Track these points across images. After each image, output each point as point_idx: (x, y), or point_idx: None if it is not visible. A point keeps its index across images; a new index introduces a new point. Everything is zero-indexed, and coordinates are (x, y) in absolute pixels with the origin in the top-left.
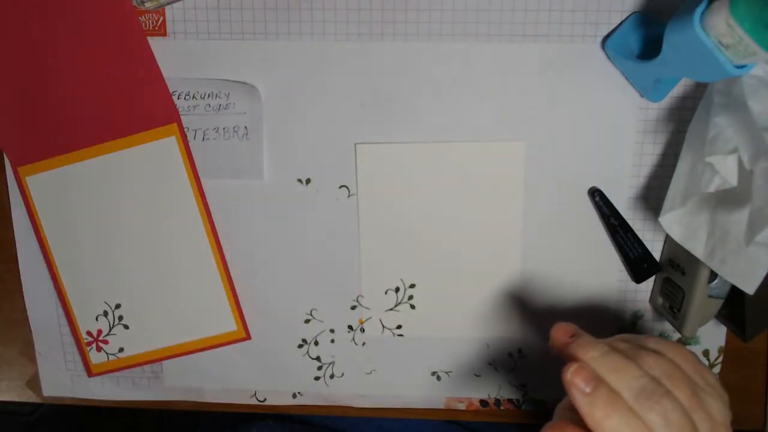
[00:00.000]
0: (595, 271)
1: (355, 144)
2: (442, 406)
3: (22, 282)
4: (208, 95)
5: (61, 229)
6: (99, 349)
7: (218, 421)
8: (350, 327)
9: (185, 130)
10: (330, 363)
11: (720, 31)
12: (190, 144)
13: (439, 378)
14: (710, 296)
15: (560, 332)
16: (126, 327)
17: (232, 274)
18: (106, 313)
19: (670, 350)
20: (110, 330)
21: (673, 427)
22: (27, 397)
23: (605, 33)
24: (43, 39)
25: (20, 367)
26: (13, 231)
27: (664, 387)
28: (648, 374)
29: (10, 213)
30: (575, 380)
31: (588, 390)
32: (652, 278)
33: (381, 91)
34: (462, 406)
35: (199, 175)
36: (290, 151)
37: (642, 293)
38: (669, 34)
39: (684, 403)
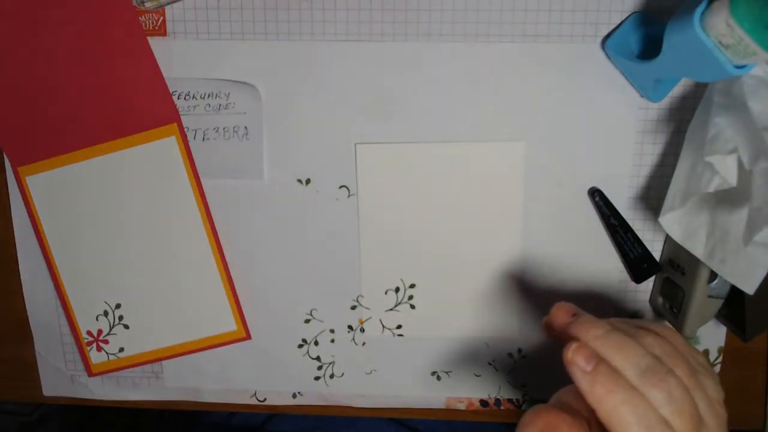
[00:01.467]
0: (594, 271)
1: (355, 144)
2: (442, 406)
3: (22, 282)
4: (208, 95)
5: (61, 229)
6: (99, 349)
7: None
8: (350, 327)
9: (185, 130)
10: (330, 363)
11: (720, 31)
12: (190, 144)
13: (439, 378)
14: (710, 296)
15: (561, 311)
16: (126, 327)
17: (232, 274)
18: (106, 313)
19: (662, 331)
20: (110, 330)
21: (677, 403)
22: (27, 397)
23: (605, 33)
24: (43, 39)
25: (20, 367)
26: (13, 231)
27: (667, 365)
28: (650, 353)
29: (10, 213)
30: (576, 359)
31: (589, 368)
32: (652, 278)
33: (381, 91)
34: (462, 406)
35: (199, 175)
36: (290, 151)
37: (642, 293)
38: (669, 34)
39: (684, 381)
